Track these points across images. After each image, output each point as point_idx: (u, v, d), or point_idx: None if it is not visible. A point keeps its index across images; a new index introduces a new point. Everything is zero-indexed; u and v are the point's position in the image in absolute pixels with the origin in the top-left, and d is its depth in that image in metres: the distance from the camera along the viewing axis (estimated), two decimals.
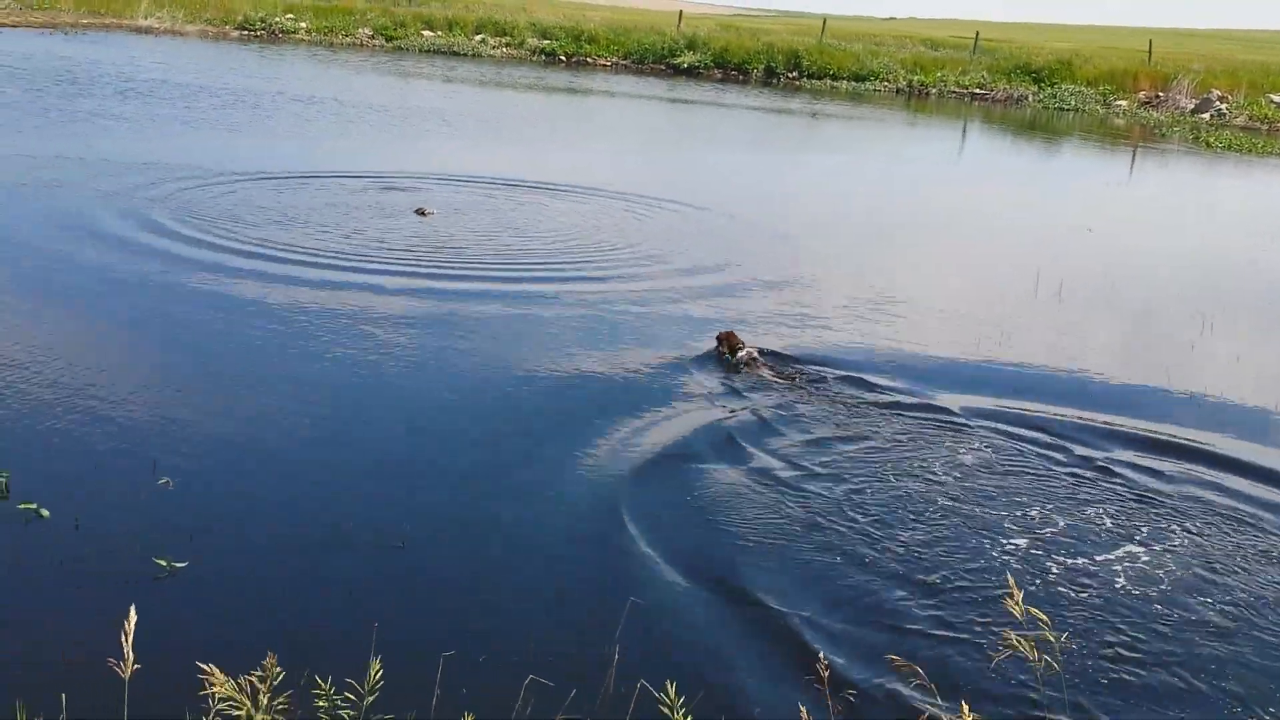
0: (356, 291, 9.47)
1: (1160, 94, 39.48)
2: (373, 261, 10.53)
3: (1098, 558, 5.63)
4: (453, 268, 10.66)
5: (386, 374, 7.61)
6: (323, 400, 7.05)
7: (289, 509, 5.68)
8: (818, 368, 8.42)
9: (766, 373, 8.17)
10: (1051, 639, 3.68)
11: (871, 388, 8.04)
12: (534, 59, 44.59)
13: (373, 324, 8.61)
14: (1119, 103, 39.05)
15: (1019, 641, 3.48)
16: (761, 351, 8.47)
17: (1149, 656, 4.80)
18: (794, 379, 8.14)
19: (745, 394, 7.69)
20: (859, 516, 5.91)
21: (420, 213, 13.14)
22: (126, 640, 2.91)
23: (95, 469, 5.90)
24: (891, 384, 8.18)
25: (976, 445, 7.05)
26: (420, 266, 10.57)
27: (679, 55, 44.21)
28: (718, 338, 8.58)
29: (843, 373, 8.30)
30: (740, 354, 8.32)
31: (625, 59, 45.06)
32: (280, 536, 5.40)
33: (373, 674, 3.24)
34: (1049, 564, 5.55)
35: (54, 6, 46.08)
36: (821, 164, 22.32)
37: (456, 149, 19.52)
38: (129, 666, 2.97)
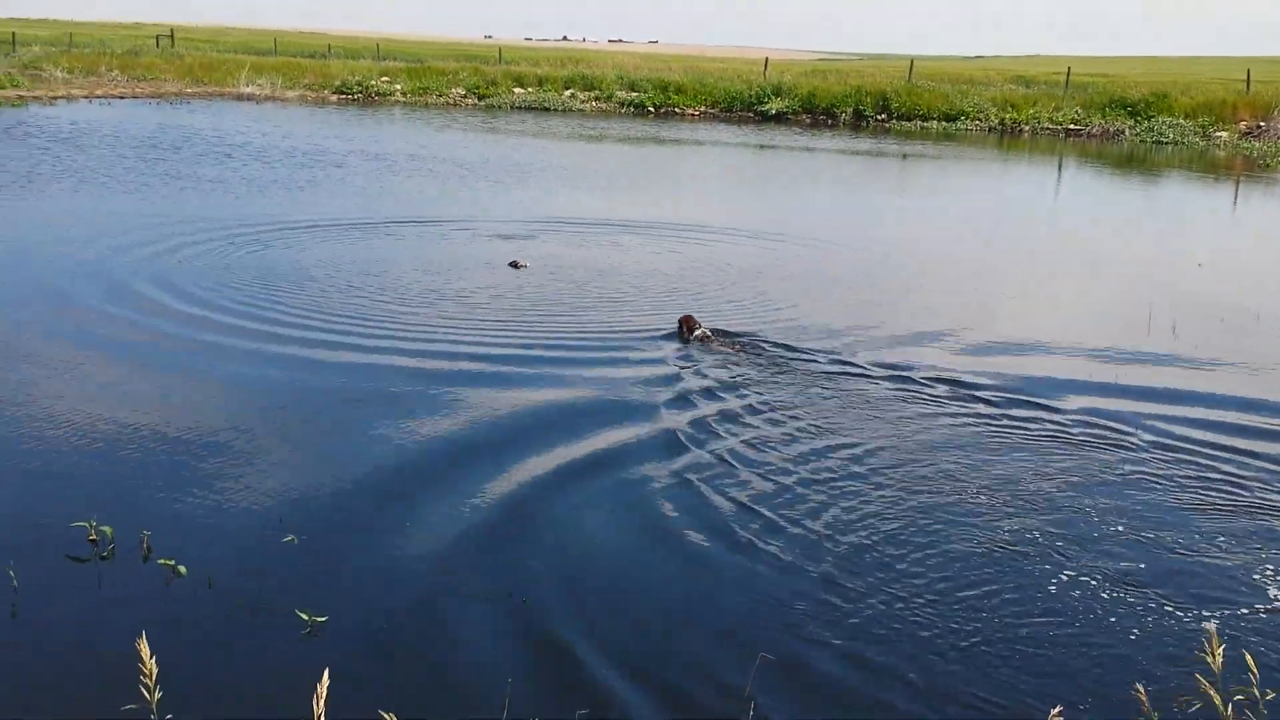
0: (461, 361, 9.33)
1: (1262, 124, 38.58)
2: (476, 330, 10.30)
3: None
4: (557, 336, 10.26)
5: (503, 436, 7.63)
6: (436, 464, 7.09)
7: (408, 563, 5.72)
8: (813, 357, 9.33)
9: (716, 345, 9.76)
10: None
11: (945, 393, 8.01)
12: (623, 111, 45.17)
13: (481, 390, 8.63)
14: (1219, 134, 38.21)
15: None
16: (715, 331, 10.07)
17: None
18: (743, 350, 9.67)
19: None
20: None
21: (515, 265, 13.25)
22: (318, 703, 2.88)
23: (224, 526, 6.03)
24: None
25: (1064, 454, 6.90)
26: (524, 332, 10.30)
27: (766, 102, 44.45)
28: (679, 321, 10.19)
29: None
30: (696, 333, 9.94)
31: (713, 107, 45.44)
32: (408, 590, 5.44)
33: None
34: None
35: (159, 78, 47.92)
36: (915, 205, 22.15)
37: (555, 197, 19.71)
38: None
